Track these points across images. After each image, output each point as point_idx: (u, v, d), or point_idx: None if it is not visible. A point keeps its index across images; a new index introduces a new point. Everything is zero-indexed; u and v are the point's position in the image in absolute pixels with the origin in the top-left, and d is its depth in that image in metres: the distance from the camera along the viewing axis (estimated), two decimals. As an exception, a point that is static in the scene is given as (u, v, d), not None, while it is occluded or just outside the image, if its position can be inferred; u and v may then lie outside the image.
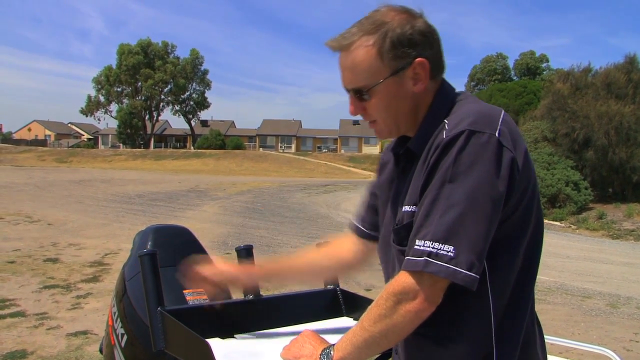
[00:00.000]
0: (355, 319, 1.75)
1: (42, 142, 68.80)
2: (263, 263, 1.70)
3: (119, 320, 1.94)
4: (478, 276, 1.11)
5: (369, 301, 1.77)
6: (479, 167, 1.12)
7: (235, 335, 1.61)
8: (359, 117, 1.36)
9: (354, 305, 1.79)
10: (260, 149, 66.35)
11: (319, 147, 68.64)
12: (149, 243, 2.02)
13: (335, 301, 1.81)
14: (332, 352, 1.24)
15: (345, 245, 1.61)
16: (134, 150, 56.94)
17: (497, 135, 1.14)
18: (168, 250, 2.02)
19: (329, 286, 1.86)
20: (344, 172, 43.01)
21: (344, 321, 1.77)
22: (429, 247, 1.11)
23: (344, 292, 1.85)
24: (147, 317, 1.52)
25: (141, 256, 1.57)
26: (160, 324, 1.48)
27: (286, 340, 1.54)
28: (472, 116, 1.17)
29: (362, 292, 6.98)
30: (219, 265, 1.63)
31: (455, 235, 1.10)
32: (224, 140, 63.00)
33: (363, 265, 1.62)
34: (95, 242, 9.83)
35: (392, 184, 1.39)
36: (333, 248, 1.65)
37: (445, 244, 1.10)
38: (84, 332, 5.02)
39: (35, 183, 23.42)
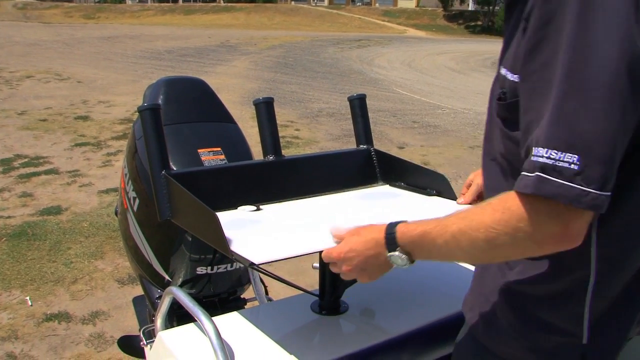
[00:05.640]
0: (392, 185, 1.53)
1: (69, -2, 67.07)
2: None
3: (130, 182, 1.77)
4: (610, 194, 0.74)
5: (407, 165, 1.53)
6: (610, 15, 0.72)
7: (257, 205, 1.40)
8: None
9: (389, 168, 1.55)
10: (292, 2, 63.77)
11: (352, 1, 65.80)
12: (160, 97, 1.80)
13: (368, 163, 1.56)
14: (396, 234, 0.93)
15: None
16: (162, 4, 55.22)
17: None
18: (182, 105, 1.81)
19: (361, 146, 1.61)
20: (378, 26, 41.18)
21: (383, 190, 1.52)
22: (543, 156, 0.73)
23: (378, 152, 1.59)
24: None
25: (141, 111, 1.35)
26: (165, 189, 1.28)
27: (311, 217, 1.34)
28: None
29: (394, 149, 6.85)
30: None
31: (581, 135, 0.71)
32: (254, -7, 60.66)
33: None
34: (125, 99, 9.71)
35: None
36: None
37: (566, 151, 0.72)
38: (115, 189, 5.01)
39: (63, 40, 23.07)
